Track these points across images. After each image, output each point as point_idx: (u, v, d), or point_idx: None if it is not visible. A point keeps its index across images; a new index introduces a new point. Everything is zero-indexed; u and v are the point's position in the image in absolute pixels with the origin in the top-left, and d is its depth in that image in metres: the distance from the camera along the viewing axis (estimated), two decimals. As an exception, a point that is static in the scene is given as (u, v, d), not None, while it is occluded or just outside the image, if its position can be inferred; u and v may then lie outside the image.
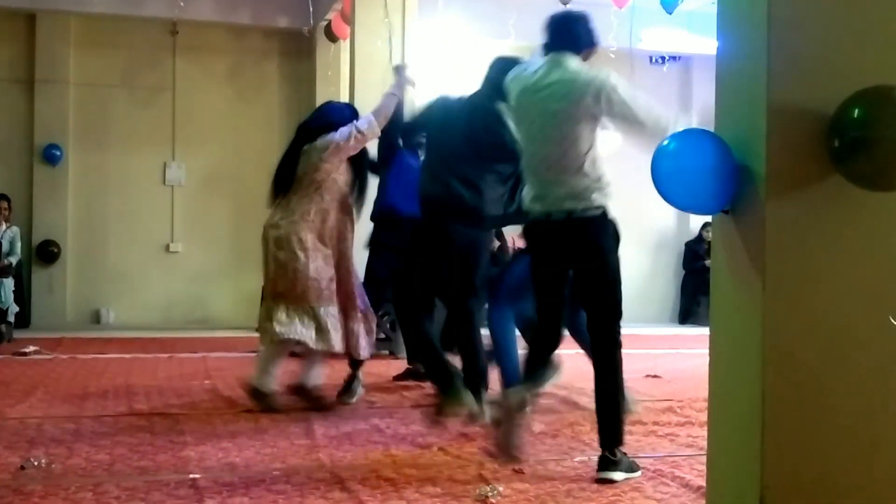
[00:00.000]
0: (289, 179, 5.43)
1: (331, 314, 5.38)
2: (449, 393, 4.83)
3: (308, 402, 5.45)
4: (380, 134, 5.59)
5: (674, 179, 2.83)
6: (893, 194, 2.65)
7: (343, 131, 5.39)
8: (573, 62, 4.05)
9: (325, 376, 5.85)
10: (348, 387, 5.87)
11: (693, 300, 12.52)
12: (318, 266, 5.38)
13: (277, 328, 5.31)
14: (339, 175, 5.49)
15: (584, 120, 3.93)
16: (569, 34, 4.13)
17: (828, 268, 2.70)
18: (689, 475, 4.02)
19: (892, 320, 2.64)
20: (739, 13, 2.85)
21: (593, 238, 4.02)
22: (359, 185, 5.72)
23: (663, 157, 2.85)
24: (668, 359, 8.47)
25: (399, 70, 5.92)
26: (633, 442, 4.75)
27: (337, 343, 5.36)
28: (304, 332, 5.31)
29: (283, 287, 5.44)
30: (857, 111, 2.56)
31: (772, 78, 2.65)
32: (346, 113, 5.69)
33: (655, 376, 7.37)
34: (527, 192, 4.18)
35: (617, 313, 4.14)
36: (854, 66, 2.67)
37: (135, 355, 8.46)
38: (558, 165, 3.99)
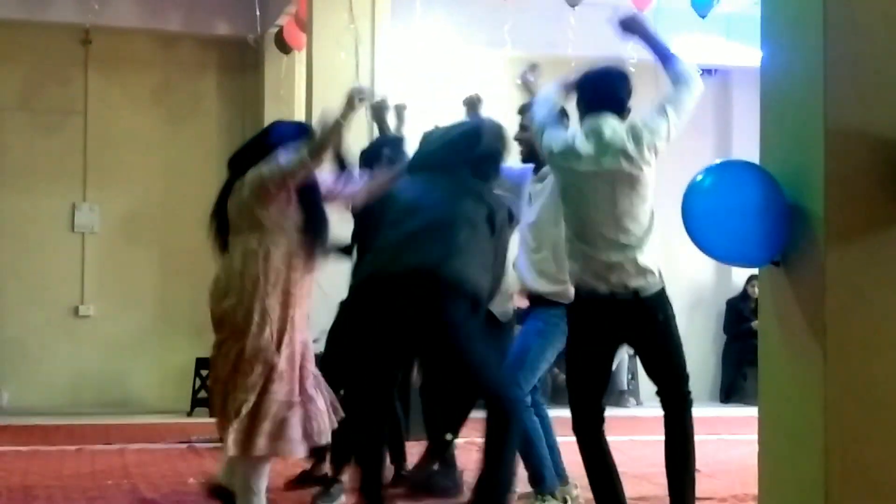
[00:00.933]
0: (224, 224, 5.27)
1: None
2: None
3: None
4: (311, 171, 5.15)
5: (711, 223, 2.84)
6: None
7: (271, 164, 5.08)
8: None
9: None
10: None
11: (738, 373, 12.51)
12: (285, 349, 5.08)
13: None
14: (284, 217, 5.16)
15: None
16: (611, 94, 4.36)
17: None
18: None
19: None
20: (788, 17, 2.88)
21: (662, 314, 4.25)
22: (316, 225, 5.31)
23: (697, 195, 2.87)
24: (707, 447, 8.43)
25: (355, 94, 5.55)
26: None
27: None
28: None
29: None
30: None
31: (830, 95, 2.68)
32: (290, 135, 5.38)
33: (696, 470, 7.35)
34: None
35: (686, 376, 4.43)
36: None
37: (34, 448, 8.34)
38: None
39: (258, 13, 10.71)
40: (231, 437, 4.77)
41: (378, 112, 5.85)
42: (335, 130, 5.04)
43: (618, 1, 7.78)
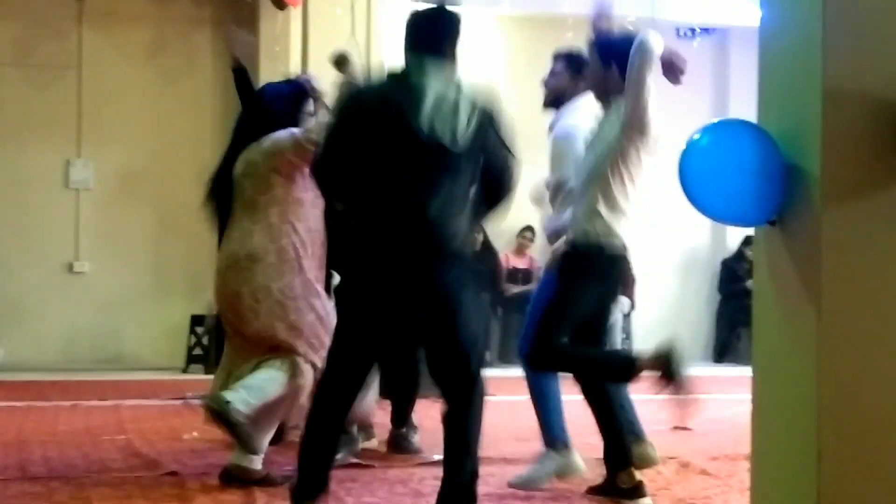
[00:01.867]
0: (228, 199, 5.18)
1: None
2: None
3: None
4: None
5: (707, 183, 2.83)
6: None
7: (291, 137, 5.08)
8: None
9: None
10: None
11: (732, 332, 12.56)
12: (306, 316, 5.14)
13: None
14: (295, 189, 5.15)
15: None
16: None
17: (893, 283, 2.72)
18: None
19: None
20: (783, 14, 2.87)
21: None
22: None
23: (693, 154, 2.85)
24: (701, 406, 8.48)
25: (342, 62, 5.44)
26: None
27: None
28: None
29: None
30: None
31: (828, 55, 2.67)
32: (284, 94, 5.38)
33: (685, 428, 7.37)
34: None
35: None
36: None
37: (29, 403, 8.35)
38: None
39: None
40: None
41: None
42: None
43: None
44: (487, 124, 4.17)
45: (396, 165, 4.13)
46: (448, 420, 4.18)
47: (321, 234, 5.13)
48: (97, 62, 11.81)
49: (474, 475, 4.12)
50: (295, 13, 10.78)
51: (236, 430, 4.81)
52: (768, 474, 2.92)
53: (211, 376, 6.34)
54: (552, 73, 5.83)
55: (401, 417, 6.22)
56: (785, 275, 2.81)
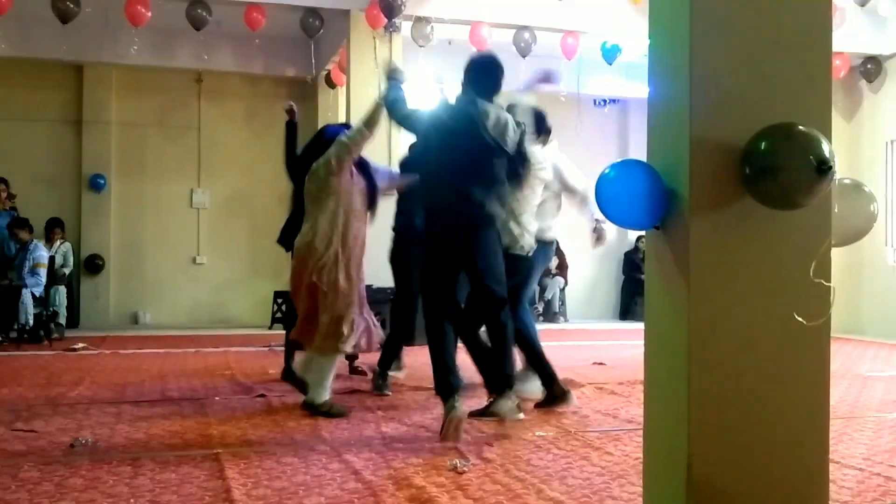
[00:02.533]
0: (303, 197, 4.98)
1: (357, 318, 4.89)
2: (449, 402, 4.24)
3: (295, 385, 5.21)
4: (369, 139, 4.91)
5: (614, 201, 2.82)
6: (794, 213, 2.66)
7: (334, 146, 4.88)
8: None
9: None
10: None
11: (631, 300, 12.57)
12: (353, 276, 4.91)
13: (345, 345, 4.81)
14: (351, 185, 4.92)
15: None
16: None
17: (740, 273, 2.71)
18: (629, 446, 4.03)
19: (796, 316, 2.65)
20: (666, 64, 2.85)
21: None
22: (373, 192, 5.10)
23: (606, 183, 2.84)
24: (611, 349, 8.49)
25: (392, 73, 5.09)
26: (579, 420, 4.77)
27: (363, 343, 4.95)
28: (355, 341, 4.89)
29: (331, 301, 4.81)
30: (763, 144, 2.57)
31: (693, 117, 2.66)
32: (339, 130, 5.16)
33: (601, 364, 7.38)
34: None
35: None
36: (761, 107, 2.68)
37: (167, 350, 8.40)
38: None
39: (314, 61, 10.63)
40: (318, 341, 4.78)
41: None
42: (377, 106, 4.88)
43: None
44: (522, 138, 4.47)
45: (466, 158, 4.33)
46: (489, 329, 4.44)
47: (363, 213, 4.98)
48: (210, 124, 11.83)
49: (511, 367, 4.45)
50: (341, 90, 10.78)
51: (321, 410, 4.76)
52: (656, 393, 2.91)
53: (284, 332, 6.36)
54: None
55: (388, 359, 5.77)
56: (666, 261, 2.80)
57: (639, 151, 2.95)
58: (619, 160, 3.08)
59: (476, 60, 4.59)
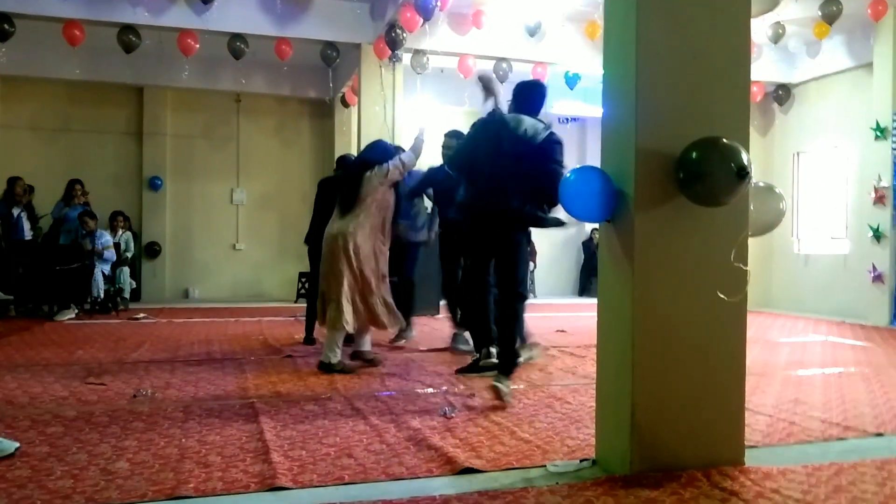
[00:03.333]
0: (354, 198, 4.80)
1: (380, 301, 4.81)
2: (483, 353, 4.59)
3: (365, 362, 4.96)
4: (413, 167, 5.12)
5: (574, 199, 2.83)
6: (718, 210, 2.67)
7: (395, 162, 4.88)
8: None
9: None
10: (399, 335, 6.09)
11: (588, 279, 12.57)
12: (383, 266, 4.86)
13: (349, 323, 4.70)
14: (389, 195, 4.92)
15: None
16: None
17: (675, 258, 2.72)
18: (584, 397, 4.04)
19: (719, 294, 2.66)
20: (616, 89, 2.85)
21: None
22: (397, 204, 5.07)
23: (567, 184, 2.85)
24: (571, 319, 8.51)
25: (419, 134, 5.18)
26: (545, 376, 4.77)
27: (388, 321, 4.88)
28: (372, 318, 4.84)
29: (352, 284, 4.72)
30: (694, 153, 2.57)
31: (638, 131, 2.66)
32: (391, 149, 5.13)
33: (562, 331, 7.39)
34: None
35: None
36: (692, 123, 2.69)
37: (212, 319, 8.36)
38: None
39: (331, 84, 10.58)
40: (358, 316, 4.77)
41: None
42: (420, 143, 5.08)
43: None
44: (548, 141, 4.15)
45: (504, 165, 4.09)
46: (502, 317, 4.14)
47: (391, 212, 4.92)
48: (247, 136, 11.73)
49: (516, 351, 4.11)
50: (354, 109, 10.70)
51: (334, 369, 4.73)
52: (606, 354, 2.92)
53: (304, 304, 6.33)
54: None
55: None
56: (615, 248, 2.81)
57: (595, 160, 2.94)
58: (578, 166, 3.09)
59: (520, 83, 4.39)
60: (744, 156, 2.52)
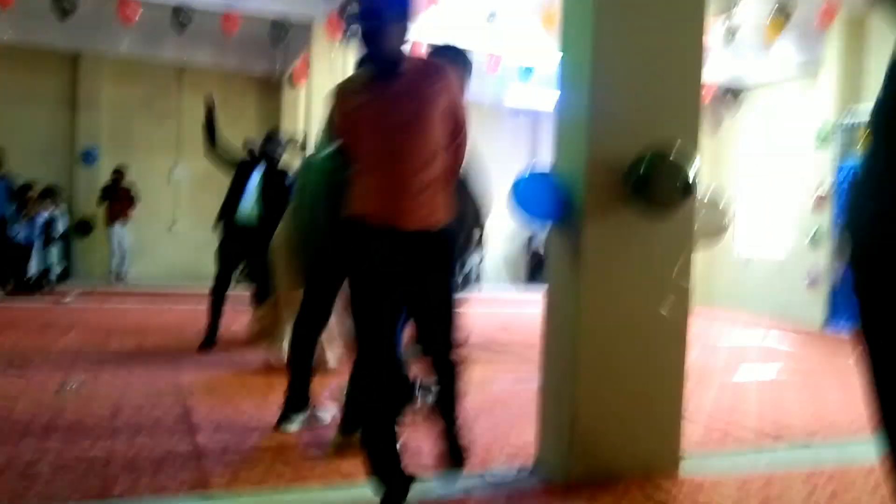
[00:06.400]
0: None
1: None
2: None
3: None
4: None
5: (524, 204, 2.83)
6: (663, 222, 2.72)
7: None
8: None
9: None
10: None
11: (536, 270, 12.70)
12: None
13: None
14: None
15: None
16: None
17: (620, 264, 2.76)
18: (524, 400, 4.06)
19: (661, 310, 2.72)
20: (570, 97, 2.86)
21: None
22: None
23: (518, 188, 2.85)
24: (515, 317, 8.58)
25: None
26: (489, 373, 4.79)
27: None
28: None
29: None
30: (641, 166, 2.61)
31: (589, 140, 2.69)
32: None
33: (504, 329, 7.45)
34: None
35: None
36: (643, 131, 2.72)
37: (146, 306, 8.13)
38: None
39: (277, 62, 10.35)
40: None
41: None
42: None
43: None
44: None
45: None
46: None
47: None
48: (190, 111, 11.38)
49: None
50: (302, 88, 10.52)
51: None
52: (551, 361, 2.95)
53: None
54: None
55: None
56: (563, 254, 2.84)
57: (547, 154, 2.96)
58: (529, 166, 3.10)
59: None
60: (690, 171, 2.57)
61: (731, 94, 10.69)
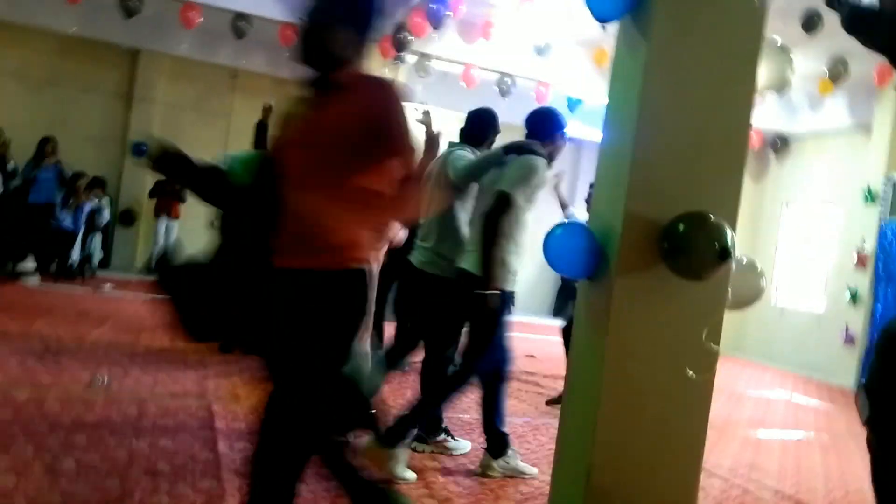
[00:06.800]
0: None
1: None
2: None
3: None
4: None
5: (558, 254, 2.84)
6: (697, 284, 2.71)
7: None
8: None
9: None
10: None
11: (564, 302, 12.56)
12: None
13: None
14: None
15: None
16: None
17: (649, 325, 2.74)
18: (545, 438, 4.07)
19: (688, 371, 2.70)
20: (612, 152, 2.86)
21: None
22: None
23: (551, 238, 2.86)
24: (542, 343, 8.56)
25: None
26: (513, 404, 4.77)
27: None
28: None
29: None
30: (680, 227, 2.60)
31: (629, 196, 2.69)
32: None
33: (532, 356, 7.44)
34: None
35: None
36: (683, 194, 2.72)
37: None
38: None
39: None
40: None
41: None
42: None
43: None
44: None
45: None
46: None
47: None
48: (240, 114, 11.59)
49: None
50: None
51: None
52: (571, 410, 2.94)
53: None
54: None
55: None
56: (593, 307, 2.84)
57: (588, 182, 2.93)
58: (564, 221, 3.10)
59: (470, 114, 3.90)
60: (729, 236, 2.56)
61: (780, 141, 10.56)
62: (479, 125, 3.83)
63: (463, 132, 3.87)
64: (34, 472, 2.60)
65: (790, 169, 10.68)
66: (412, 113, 3.91)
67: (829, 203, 9.93)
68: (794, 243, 10.50)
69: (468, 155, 3.67)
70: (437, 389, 3.24)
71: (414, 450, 3.35)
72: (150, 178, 11.12)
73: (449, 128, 5.52)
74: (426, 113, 3.96)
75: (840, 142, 9.86)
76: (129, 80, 11.10)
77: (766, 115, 10.06)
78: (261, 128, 5.61)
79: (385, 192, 1.83)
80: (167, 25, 9.76)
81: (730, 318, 3.01)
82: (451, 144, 3.92)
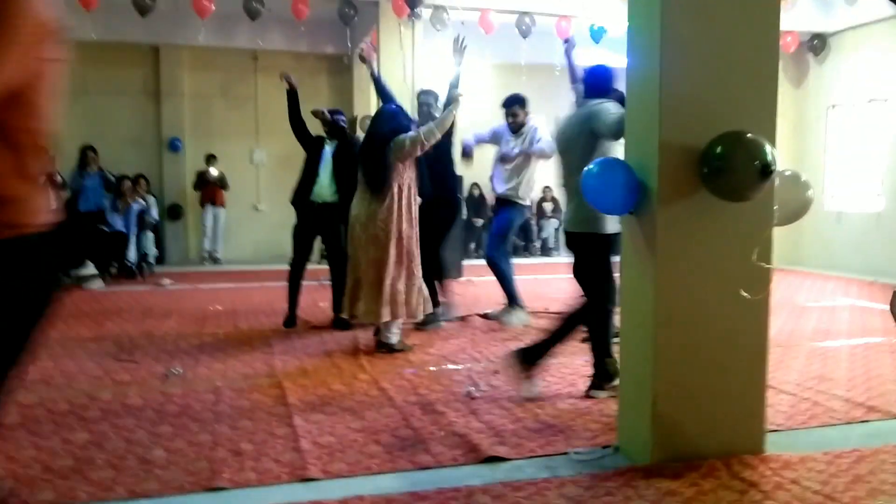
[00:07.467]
0: (376, 179, 4.57)
1: (416, 290, 4.69)
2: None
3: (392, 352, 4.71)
4: (438, 138, 4.69)
5: (597, 192, 2.85)
6: (741, 204, 2.68)
7: (412, 135, 4.58)
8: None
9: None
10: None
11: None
12: (414, 251, 4.67)
13: (381, 316, 4.57)
14: (410, 171, 4.67)
15: None
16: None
17: (697, 251, 2.75)
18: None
19: (742, 292, 2.70)
20: (640, 80, 2.83)
21: None
22: (419, 178, 4.85)
23: (590, 176, 2.87)
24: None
25: (456, 49, 5.03)
26: (568, 356, 4.81)
27: (422, 310, 4.75)
28: (408, 310, 4.67)
29: (384, 273, 4.57)
30: (718, 148, 2.58)
31: (662, 124, 2.67)
32: (402, 117, 4.75)
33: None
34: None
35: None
36: (718, 115, 2.69)
37: (237, 285, 8.49)
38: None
39: (349, 41, 10.46)
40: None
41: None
42: (450, 116, 4.75)
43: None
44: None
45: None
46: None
47: (416, 188, 4.72)
48: (265, 94, 11.68)
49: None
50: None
51: (394, 348, 4.69)
52: (628, 344, 2.98)
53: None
54: (517, 114, 5.79)
55: None
56: (638, 240, 2.85)
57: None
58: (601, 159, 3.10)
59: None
60: (769, 152, 2.53)
61: (817, 41, 10.13)
62: (604, 79, 3.88)
63: (587, 88, 3.91)
64: (129, 464, 2.76)
65: (831, 69, 10.27)
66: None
67: (877, 101, 9.53)
68: (845, 145, 10.15)
69: (616, 108, 3.62)
70: (599, 326, 3.77)
71: (590, 396, 3.71)
72: (191, 171, 11.38)
73: (473, 80, 5.47)
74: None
75: (881, 32, 9.41)
76: (154, 77, 11.27)
77: (799, 16, 9.64)
78: (292, 95, 5.80)
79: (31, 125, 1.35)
80: (182, 18, 9.85)
81: (783, 232, 2.98)
82: (583, 98, 3.96)
